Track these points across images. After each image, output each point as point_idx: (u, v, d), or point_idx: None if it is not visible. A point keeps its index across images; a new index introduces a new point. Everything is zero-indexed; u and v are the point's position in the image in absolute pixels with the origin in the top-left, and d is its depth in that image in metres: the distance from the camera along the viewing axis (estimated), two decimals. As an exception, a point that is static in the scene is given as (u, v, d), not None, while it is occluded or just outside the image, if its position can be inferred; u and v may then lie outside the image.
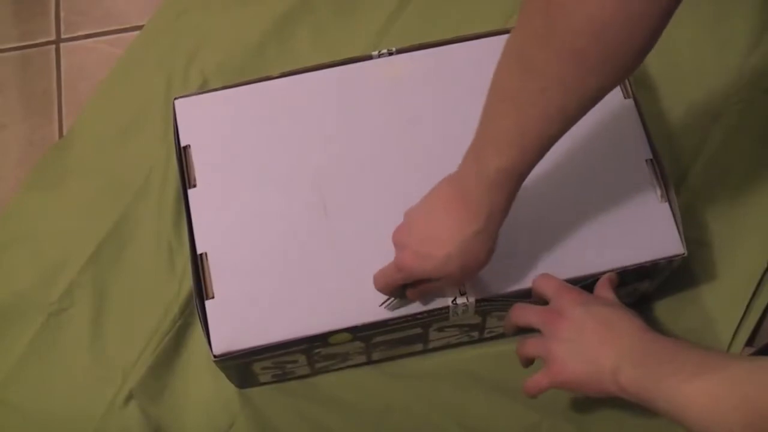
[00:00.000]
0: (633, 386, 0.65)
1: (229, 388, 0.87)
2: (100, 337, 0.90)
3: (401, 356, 0.88)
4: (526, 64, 0.59)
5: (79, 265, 0.93)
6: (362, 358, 0.86)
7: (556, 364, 0.69)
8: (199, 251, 0.78)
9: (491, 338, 0.88)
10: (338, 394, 0.88)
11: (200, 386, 0.88)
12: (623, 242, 0.77)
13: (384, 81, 0.84)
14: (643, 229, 0.78)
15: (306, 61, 0.86)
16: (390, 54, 0.85)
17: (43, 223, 0.96)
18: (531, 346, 0.73)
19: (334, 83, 0.84)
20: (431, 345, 0.87)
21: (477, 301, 0.76)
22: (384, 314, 0.75)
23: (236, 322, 0.75)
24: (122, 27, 1.09)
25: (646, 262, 0.77)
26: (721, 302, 0.89)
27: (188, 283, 0.89)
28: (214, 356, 0.74)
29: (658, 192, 0.79)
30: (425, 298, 0.75)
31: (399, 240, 0.72)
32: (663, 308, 0.89)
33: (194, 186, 0.80)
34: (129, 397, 0.87)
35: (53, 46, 1.08)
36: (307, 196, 0.80)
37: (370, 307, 0.75)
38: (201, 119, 0.83)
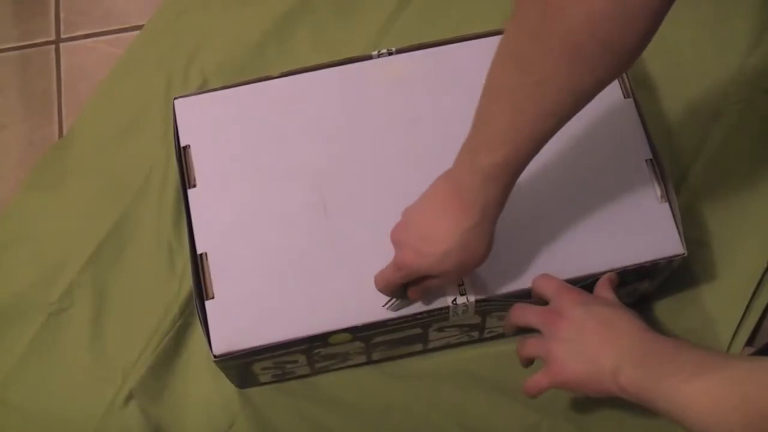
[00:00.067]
0: (633, 386, 0.65)
1: (229, 388, 0.87)
2: (100, 337, 0.90)
3: (401, 356, 0.88)
4: (521, 60, 0.59)
5: (79, 265, 0.93)
6: (362, 358, 0.86)
7: (556, 364, 0.69)
8: (199, 251, 0.78)
9: (491, 338, 0.88)
10: (338, 394, 0.88)
11: (200, 386, 0.88)
12: (623, 242, 0.77)
13: (384, 81, 0.84)
14: (643, 229, 0.78)
15: (306, 61, 0.86)
16: (390, 54, 0.85)
17: (43, 223, 0.96)
18: (531, 346, 0.73)
19: (334, 83, 0.84)
20: (431, 345, 0.87)
21: (477, 301, 0.76)
22: (384, 314, 0.76)
23: (236, 322, 0.75)
24: (122, 27, 1.09)
25: (646, 262, 0.77)
26: (721, 302, 0.89)
27: (188, 283, 0.89)
28: (214, 356, 0.74)
29: (658, 192, 0.79)
30: (427, 297, 0.75)
31: (397, 238, 0.72)
32: (663, 308, 0.89)
33: (194, 186, 0.80)
34: (129, 397, 0.87)
35: (53, 46, 1.08)
36: (307, 196, 0.80)
37: (370, 307, 0.75)
38: (201, 119, 0.83)
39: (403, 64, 0.85)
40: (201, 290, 0.76)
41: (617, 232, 0.78)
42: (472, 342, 0.88)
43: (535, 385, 0.71)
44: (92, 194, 0.97)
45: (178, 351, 0.90)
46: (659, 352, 0.65)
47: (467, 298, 0.76)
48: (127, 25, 1.09)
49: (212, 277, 0.77)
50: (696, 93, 0.98)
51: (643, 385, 0.64)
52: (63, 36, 1.09)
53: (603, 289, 0.74)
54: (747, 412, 0.58)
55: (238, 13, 1.06)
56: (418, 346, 0.87)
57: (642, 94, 0.89)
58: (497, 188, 0.65)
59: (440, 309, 0.76)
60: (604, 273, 0.76)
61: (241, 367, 0.80)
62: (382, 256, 0.73)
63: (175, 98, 0.84)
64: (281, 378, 0.87)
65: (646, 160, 0.80)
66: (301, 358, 0.81)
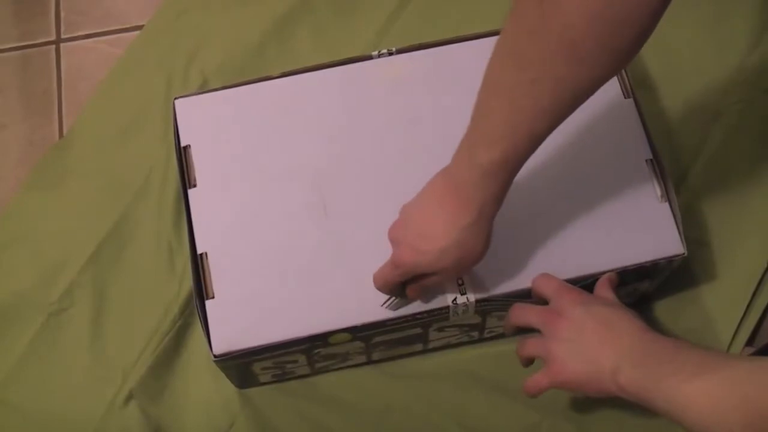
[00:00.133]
0: (633, 386, 0.65)
1: (229, 388, 0.87)
2: (100, 337, 0.90)
3: (401, 356, 0.88)
4: (518, 57, 0.59)
5: (79, 265, 0.93)
6: (362, 358, 0.86)
7: (556, 364, 0.69)
8: (199, 251, 0.78)
9: (491, 338, 0.88)
10: (338, 394, 0.88)
11: (200, 386, 0.88)
12: (623, 242, 0.77)
13: (384, 81, 0.84)
14: (643, 229, 0.78)
15: (306, 61, 0.86)
16: (390, 54, 0.85)
17: (43, 223, 0.96)
18: (531, 346, 0.73)
19: (334, 83, 0.84)
20: (431, 345, 0.87)
21: (477, 301, 0.76)
22: (384, 314, 0.75)
23: (236, 322, 0.75)
24: (122, 27, 1.09)
25: (646, 262, 0.77)
26: (721, 302, 0.89)
27: (188, 283, 0.89)
28: (214, 356, 0.74)
29: (658, 192, 0.79)
30: (425, 296, 0.75)
31: (395, 236, 0.72)
32: (663, 308, 0.89)
33: (194, 186, 0.80)
34: (129, 397, 0.87)
35: (53, 46, 1.08)
36: (307, 196, 0.80)
37: (370, 307, 0.75)
38: (201, 119, 0.83)
39: (403, 64, 0.85)
40: (201, 290, 0.76)
41: (617, 232, 0.78)
42: (472, 342, 0.88)
43: (535, 385, 0.71)
44: (92, 194, 0.97)
45: (178, 351, 0.90)
46: (659, 352, 0.65)
47: (467, 298, 0.76)
48: (127, 25, 1.09)
49: (212, 277, 0.77)
50: (696, 93, 0.98)
51: (643, 385, 0.64)
52: (63, 36, 1.09)
53: (603, 289, 0.74)
54: (747, 412, 0.58)
55: (238, 13, 1.06)
56: (418, 346, 0.87)
57: (642, 94, 0.89)
58: (495, 185, 0.65)
59: (440, 309, 0.76)
60: (604, 273, 0.76)
61: (241, 367, 0.80)
62: (382, 256, 0.73)
63: (175, 98, 0.84)
64: (281, 378, 0.87)
65: (646, 160, 0.80)
66: (301, 358, 0.81)
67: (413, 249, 0.69)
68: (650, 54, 0.98)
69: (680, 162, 0.95)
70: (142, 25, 1.07)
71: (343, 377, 0.88)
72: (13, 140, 1.03)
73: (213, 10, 1.07)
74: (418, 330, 0.80)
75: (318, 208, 0.79)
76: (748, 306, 0.89)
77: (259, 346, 0.75)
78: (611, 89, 0.82)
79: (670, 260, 0.77)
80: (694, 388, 0.61)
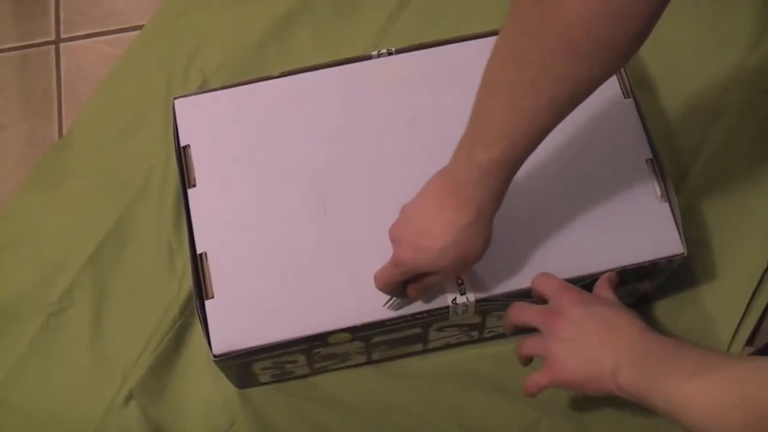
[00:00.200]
0: (632, 386, 0.65)
1: (229, 388, 0.87)
2: (100, 337, 0.90)
3: (401, 356, 0.88)
4: (517, 56, 0.59)
5: (79, 265, 0.93)
6: (362, 358, 0.86)
7: (556, 363, 0.69)
8: (199, 251, 0.78)
9: (491, 338, 0.88)
10: (338, 394, 0.88)
11: (200, 386, 0.88)
12: (623, 242, 0.77)
13: (384, 81, 0.84)
14: (643, 229, 0.78)
15: (306, 61, 0.86)
16: (390, 54, 0.85)
17: (43, 223, 0.96)
18: (530, 345, 0.73)
19: (334, 83, 0.84)
20: (431, 345, 0.87)
21: (477, 300, 0.76)
22: (383, 314, 0.76)
23: (236, 322, 0.75)
24: (122, 27, 1.09)
25: (646, 262, 0.77)
26: (721, 302, 0.89)
27: (188, 283, 0.89)
28: (214, 356, 0.74)
29: (658, 192, 0.79)
30: (426, 296, 0.75)
31: (395, 235, 0.72)
32: (663, 308, 0.89)
33: (194, 186, 0.80)
34: (129, 397, 0.87)
35: (53, 46, 1.08)
36: (307, 196, 0.80)
37: (370, 307, 0.75)
38: (201, 119, 0.83)
39: (403, 64, 0.85)
40: (201, 290, 0.76)
41: (617, 232, 0.78)
42: (472, 342, 0.88)
43: (535, 385, 0.71)
44: (92, 194, 0.97)
45: (178, 351, 0.90)
46: (659, 352, 0.65)
47: (467, 298, 0.76)
48: (127, 25, 1.09)
49: (212, 277, 0.77)
50: (696, 92, 0.98)
51: (642, 384, 0.64)
52: (63, 36, 1.09)
53: (603, 288, 0.74)
54: (747, 411, 0.58)
55: (238, 13, 1.06)
56: (418, 346, 0.87)
57: (642, 94, 0.89)
58: (494, 184, 0.65)
59: (440, 309, 0.76)
60: (604, 273, 0.76)
61: (241, 367, 0.80)
62: (381, 256, 0.73)
63: (175, 98, 0.84)
64: (281, 378, 0.87)
65: (646, 160, 0.80)
66: (301, 358, 0.81)
67: (413, 248, 0.70)
68: (650, 53, 0.98)
69: (680, 162, 0.95)
70: (142, 25, 1.07)
71: (343, 377, 0.88)
72: (13, 140, 1.03)
73: (213, 10, 1.07)
74: (418, 330, 0.80)
75: (318, 208, 0.79)
76: (748, 306, 0.89)
77: (258, 346, 0.75)
78: (611, 89, 0.82)
79: (669, 260, 0.77)
80: (694, 388, 0.61)
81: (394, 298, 0.75)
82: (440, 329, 0.82)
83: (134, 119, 1.01)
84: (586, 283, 0.76)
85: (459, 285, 0.76)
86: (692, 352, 0.65)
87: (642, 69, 0.98)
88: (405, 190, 0.72)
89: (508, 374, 0.84)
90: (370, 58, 0.85)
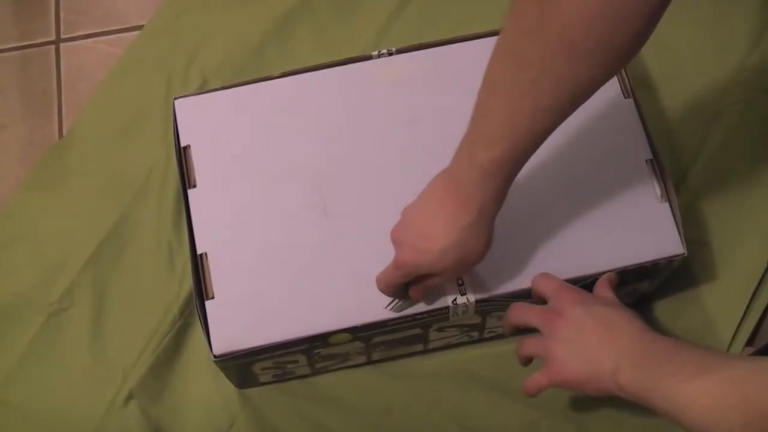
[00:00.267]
0: (632, 386, 0.65)
1: (229, 388, 0.87)
2: (100, 337, 0.90)
3: (401, 356, 0.88)
4: (518, 56, 0.59)
5: (79, 265, 0.93)
6: (362, 358, 0.86)
7: (556, 363, 0.69)
8: (199, 251, 0.78)
9: (491, 338, 0.88)
10: (338, 394, 0.88)
11: (200, 386, 0.88)
12: (623, 242, 0.77)
13: (384, 81, 0.84)
14: (643, 229, 0.78)
15: (306, 61, 0.86)
16: (390, 54, 0.85)
17: (43, 223, 0.96)
18: (530, 345, 0.73)
19: (334, 83, 0.84)
20: (431, 345, 0.87)
21: (477, 301, 0.76)
22: (384, 314, 0.75)
23: (236, 322, 0.75)
24: (122, 27, 1.09)
25: (646, 262, 0.77)
26: (721, 302, 0.89)
27: (188, 283, 0.89)
28: (214, 356, 0.74)
29: (658, 192, 0.79)
30: (428, 297, 0.75)
31: (396, 237, 0.72)
32: (663, 308, 0.89)
33: (194, 186, 0.80)
34: (129, 397, 0.87)
35: (53, 46, 1.08)
36: (307, 196, 0.80)
37: (370, 307, 0.75)
38: (201, 119, 0.83)
39: (403, 64, 0.85)
40: (201, 290, 0.76)
41: (617, 232, 0.78)
42: (472, 342, 0.88)
43: (535, 385, 0.71)
44: (92, 194, 0.97)
45: (178, 351, 0.90)
46: (659, 352, 0.65)
47: (467, 298, 0.76)
48: (127, 25, 1.09)
49: (212, 277, 0.77)
50: (696, 93, 0.98)
51: (642, 384, 0.64)
52: (63, 36, 1.09)
53: (603, 288, 0.74)
54: (747, 411, 0.58)
55: (238, 13, 1.06)
56: (419, 347, 0.87)
57: (642, 94, 0.89)
58: (495, 185, 0.65)
59: (440, 309, 0.76)
60: (604, 273, 0.76)
61: (241, 367, 0.80)
62: (382, 256, 0.73)
63: (175, 98, 0.84)
64: (281, 378, 0.87)
65: (646, 160, 0.80)
66: (302, 358, 0.81)
67: (414, 249, 0.69)
68: (650, 54, 0.98)
69: (680, 162, 0.95)
70: (142, 25, 1.07)
71: (343, 377, 0.88)
72: (13, 140, 1.03)
73: (213, 10, 1.07)
74: (418, 330, 0.80)
75: (318, 208, 0.79)
76: (748, 306, 0.89)
77: (259, 347, 0.75)
78: (611, 89, 0.82)
79: (670, 260, 0.77)
80: (694, 388, 0.61)
81: (396, 300, 0.75)
82: (440, 329, 0.82)
83: (134, 119, 1.01)
84: (586, 284, 0.76)
85: (459, 285, 0.76)
86: (692, 352, 0.65)
87: (642, 70, 0.98)
88: (405, 190, 0.72)
89: (508, 374, 0.84)
90: (370, 58, 0.85)
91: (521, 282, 0.76)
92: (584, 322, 0.69)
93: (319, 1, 1.06)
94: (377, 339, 0.80)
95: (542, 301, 0.74)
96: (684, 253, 0.77)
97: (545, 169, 0.77)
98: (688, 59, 1.00)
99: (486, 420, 0.86)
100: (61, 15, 1.10)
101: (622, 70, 0.82)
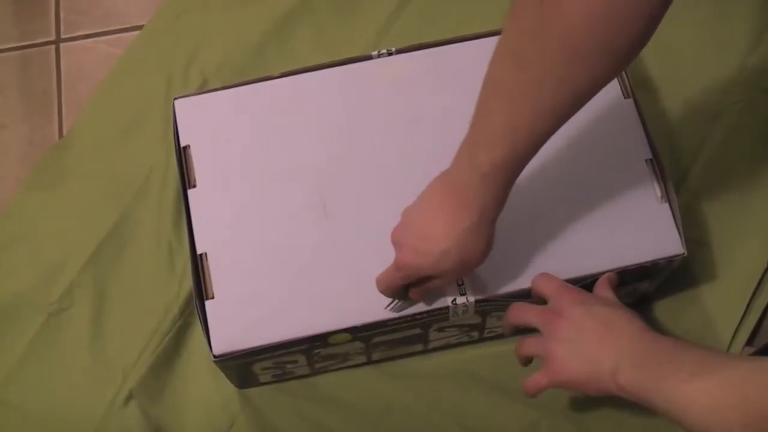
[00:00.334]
0: (632, 386, 0.65)
1: (229, 388, 0.87)
2: (100, 337, 0.90)
3: (401, 356, 0.88)
4: (518, 58, 0.59)
5: (79, 265, 0.93)
6: (362, 358, 0.86)
7: (556, 363, 0.69)
8: (199, 251, 0.78)
9: (491, 338, 0.88)
10: (338, 394, 0.88)
11: (200, 386, 0.88)
12: (623, 242, 0.77)
13: (384, 81, 0.84)
14: (643, 229, 0.78)
15: (306, 61, 0.86)
16: (390, 54, 0.85)
17: (43, 223, 0.96)
18: (530, 345, 0.73)
19: (335, 83, 0.84)
20: (431, 345, 0.87)
21: (477, 301, 0.76)
22: (384, 314, 0.75)
23: (236, 322, 0.75)
24: (122, 27, 1.09)
25: (646, 262, 0.77)
26: (721, 302, 0.89)
27: (188, 283, 0.89)
28: (214, 356, 0.74)
29: (658, 192, 0.79)
30: (428, 298, 0.75)
31: (397, 239, 0.72)
32: (663, 308, 0.89)
33: (194, 186, 0.80)
34: (129, 397, 0.87)
35: (53, 46, 1.08)
36: (307, 196, 0.80)
37: (370, 307, 0.75)
38: (201, 119, 0.83)
39: (403, 64, 0.85)
40: (201, 290, 0.76)
41: (617, 232, 0.78)
42: (472, 342, 0.88)
43: (535, 385, 0.71)
44: (92, 194, 0.97)
45: (178, 351, 0.90)
46: (659, 352, 0.65)
47: (467, 298, 0.76)
48: (127, 25, 1.09)
49: (212, 277, 0.77)
50: (696, 93, 0.98)
51: (642, 384, 0.64)
52: (63, 36, 1.09)
53: (603, 288, 0.74)
54: (747, 412, 0.58)
55: (238, 13, 1.06)
56: (418, 347, 0.87)
57: (642, 95, 0.89)
58: (495, 187, 0.65)
59: (440, 309, 0.76)
60: (604, 273, 0.76)
61: (241, 367, 0.80)
62: (382, 257, 0.73)
63: (175, 98, 0.84)
64: (281, 378, 0.87)
65: (646, 160, 0.80)
66: (301, 358, 0.81)
67: (414, 251, 0.69)
68: (651, 55, 0.98)
69: (680, 162, 0.95)
70: (142, 25, 1.07)
71: (343, 377, 0.88)
72: (13, 140, 1.03)
73: (213, 10, 1.07)
74: (418, 330, 0.80)
75: (318, 208, 0.79)
76: (748, 306, 0.89)
77: (259, 347, 0.75)
78: (611, 90, 0.82)
79: (670, 260, 0.77)
80: (694, 388, 0.61)
81: (396, 301, 0.75)
82: (440, 329, 0.82)
83: (134, 119, 1.01)
84: (586, 284, 0.76)
85: (459, 286, 0.76)
86: (692, 352, 0.64)
87: (643, 70, 0.98)
88: (405, 190, 0.72)
89: (508, 374, 0.84)
90: (370, 58, 0.85)
91: (521, 282, 0.76)
92: (584, 322, 0.69)
93: (319, 1, 1.06)
94: (377, 339, 0.80)
95: (542, 301, 0.74)
96: (684, 253, 0.77)
97: (545, 169, 0.77)
98: (688, 60, 1.00)
99: (486, 420, 0.86)
100: (61, 15, 1.10)
101: (623, 71, 0.82)
